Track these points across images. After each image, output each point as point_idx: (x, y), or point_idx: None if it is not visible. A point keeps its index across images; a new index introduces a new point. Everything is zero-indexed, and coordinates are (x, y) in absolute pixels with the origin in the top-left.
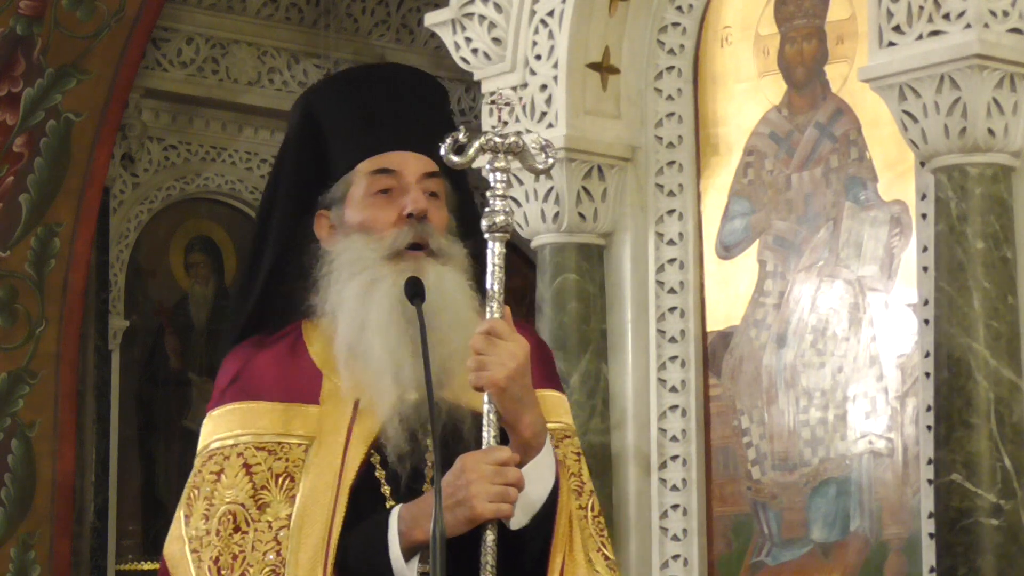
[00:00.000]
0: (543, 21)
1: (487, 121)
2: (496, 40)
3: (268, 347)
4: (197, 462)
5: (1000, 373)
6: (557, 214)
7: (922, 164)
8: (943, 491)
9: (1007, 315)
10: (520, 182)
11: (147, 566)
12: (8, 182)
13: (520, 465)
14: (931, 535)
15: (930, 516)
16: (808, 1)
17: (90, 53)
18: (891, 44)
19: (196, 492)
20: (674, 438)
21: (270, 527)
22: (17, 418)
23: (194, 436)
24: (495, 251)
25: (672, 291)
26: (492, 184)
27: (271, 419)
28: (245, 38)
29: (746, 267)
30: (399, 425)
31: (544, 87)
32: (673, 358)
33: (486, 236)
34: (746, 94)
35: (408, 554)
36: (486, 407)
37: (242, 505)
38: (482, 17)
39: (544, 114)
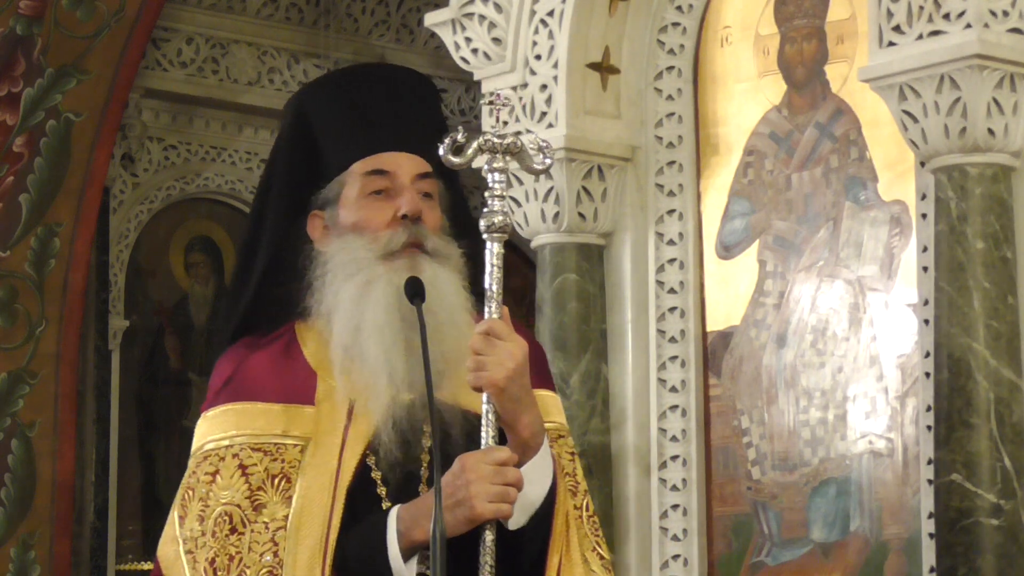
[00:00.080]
0: (543, 21)
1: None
2: (496, 40)
3: (262, 348)
4: (191, 463)
5: (1000, 373)
6: (557, 214)
7: (922, 164)
8: (943, 491)
9: (1007, 315)
10: (520, 182)
11: (147, 566)
12: (8, 182)
13: (518, 465)
14: (931, 535)
15: (930, 516)
16: (808, 1)
17: (90, 53)
18: (891, 44)
19: (191, 493)
20: (674, 438)
21: (267, 528)
22: (17, 418)
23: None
24: (493, 251)
25: (672, 291)
26: (490, 184)
27: (266, 420)
28: (245, 38)
29: (746, 267)
30: (392, 429)
31: (544, 87)
32: (673, 358)
33: (484, 236)
34: (746, 94)
35: (407, 554)
36: (485, 407)
37: (238, 506)
38: (482, 17)
39: (544, 114)
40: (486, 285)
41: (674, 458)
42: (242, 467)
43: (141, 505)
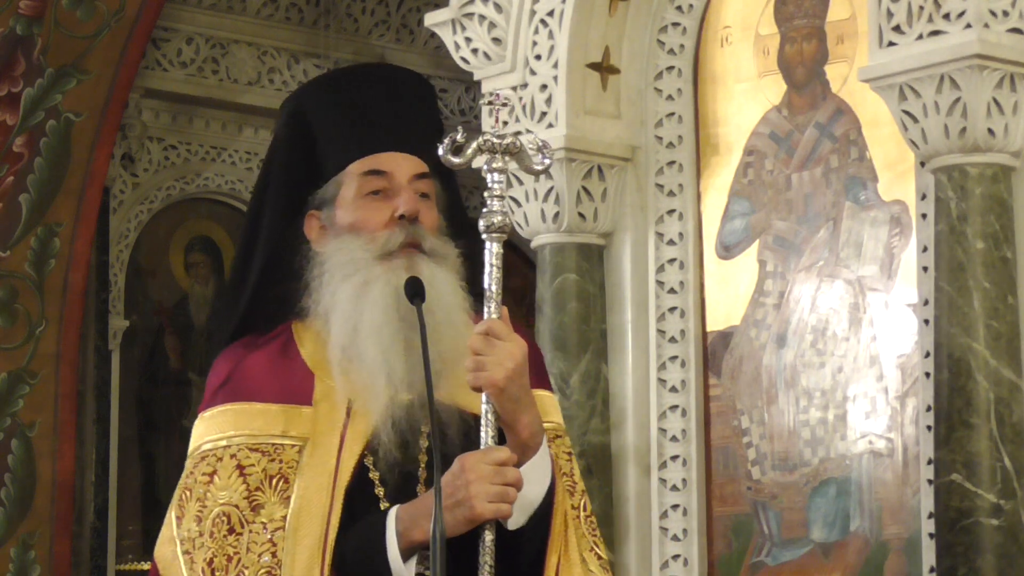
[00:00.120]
0: (543, 21)
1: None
2: (496, 40)
3: (259, 348)
4: (188, 464)
5: (1000, 373)
6: (557, 214)
7: (922, 164)
8: (943, 491)
9: (1007, 315)
10: (520, 182)
11: (147, 566)
12: (8, 182)
13: (517, 465)
14: (931, 535)
15: (930, 516)
16: (808, 1)
17: (90, 53)
18: (891, 44)
19: (188, 494)
20: (674, 438)
21: (265, 528)
22: (17, 418)
23: None
24: (493, 251)
25: (672, 291)
26: (490, 184)
27: (264, 420)
28: (245, 38)
29: (746, 267)
30: (391, 429)
31: (544, 87)
32: (673, 358)
33: (484, 236)
34: (746, 94)
35: (406, 555)
36: (484, 407)
37: (236, 507)
38: (482, 17)
39: (544, 114)
40: (485, 285)
41: (674, 458)
42: (240, 467)
43: (141, 505)
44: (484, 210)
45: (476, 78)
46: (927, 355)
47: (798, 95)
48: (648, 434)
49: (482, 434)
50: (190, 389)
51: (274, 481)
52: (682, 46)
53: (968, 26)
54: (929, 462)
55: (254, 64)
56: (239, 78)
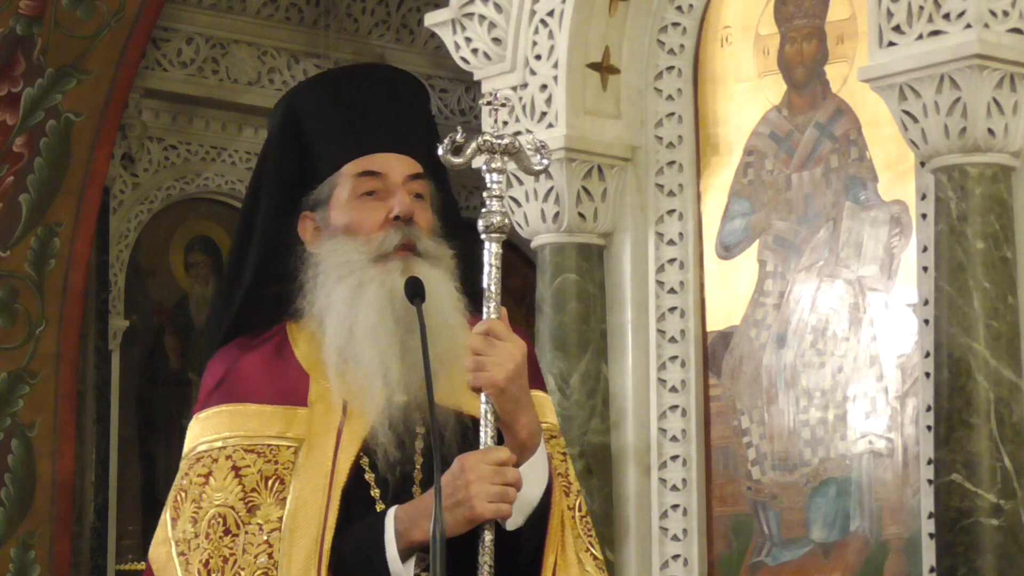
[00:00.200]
0: (543, 21)
1: (486, 122)
2: (496, 40)
3: (254, 349)
4: (183, 465)
5: (1000, 373)
6: (557, 214)
7: (922, 164)
8: (943, 491)
9: (1007, 315)
10: (520, 182)
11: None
12: (8, 182)
13: (516, 465)
14: (931, 535)
15: (930, 516)
16: (808, 1)
17: (90, 53)
18: (891, 44)
19: (183, 495)
20: (674, 438)
21: (261, 530)
22: (17, 418)
23: None
24: (492, 251)
25: (672, 291)
26: (489, 185)
27: (259, 421)
28: (245, 38)
29: (746, 267)
30: (389, 430)
31: (544, 87)
32: (673, 358)
33: (483, 236)
34: (746, 94)
35: (405, 555)
36: (483, 407)
37: (232, 508)
38: (482, 17)
39: (544, 114)
40: (485, 285)
41: (674, 458)
42: (235, 469)
43: (141, 505)
44: (483, 210)
45: (476, 78)
46: (927, 355)
47: (798, 95)
48: (648, 434)
49: (481, 434)
50: (190, 389)
51: (270, 482)
52: (682, 46)
53: (968, 26)
54: (929, 462)
55: (254, 64)
56: (239, 78)
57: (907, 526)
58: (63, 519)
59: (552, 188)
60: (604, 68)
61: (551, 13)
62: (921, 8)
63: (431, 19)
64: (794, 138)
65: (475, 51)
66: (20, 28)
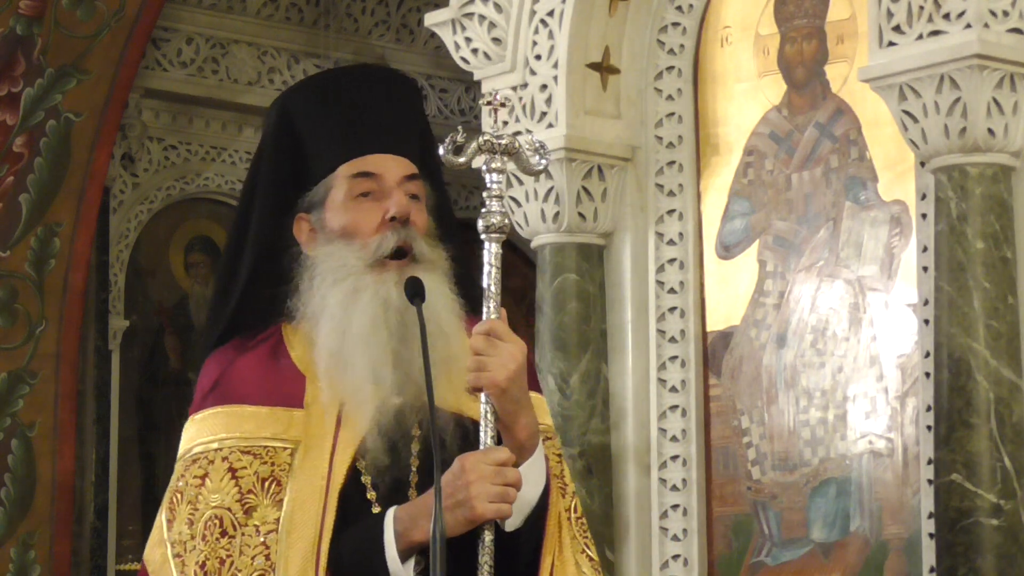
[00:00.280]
0: (543, 21)
1: (486, 122)
2: (496, 40)
3: (249, 351)
4: (179, 466)
5: (1000, 373)
6: (557, 214)
7: (922, 164)
8: (943, 491)
9: (1007, 315)
10: (520, 182)
11: None
12: (8, 182)
13: (515, 466)
14: (931, 535)
15: (930, 516)
16: (808, 1)
17: (90, 53)
18: (891, 44)
19: (179, 496)
20: (674, 438)
21: (257, 531)
22: (17, 418)
23: None
24: (491, 251)
25: (672, 291)
26: (488, 185)
27: (256, 423)
28: (245, 38)
29: (746, 267)
30: (379, 436)
31: (544, 87)
32: (673, 358)
33: (483, 237)
34: (746, 94)
35: (405, 555)
36: (484, 407)
37: (228, 509)
38: (482, 17)
39: (544, 114)
40: (484, 285)
41: (674, 458)
42: (232, 470)
43: (141, 505)
44: (483, 210)
45: (476, 78)
46: (927, 355)
47: (798, 95)
48: (648, 434)
49: (481, 434)
50: (190, 389)
51: (266, 484)
52: (682, 46)
53: (968, 26)
54: (929, 462)
55: (254, 64)
56: (239, 78)
57: (907, 526)
58: (63, 519)
59: (552, 188)
60: (604, 68)
61: (551, 13)
62: (921, 8)
63: (431, 19)
64: (794, 138)
65: (475, 51)
66: (20, 28)
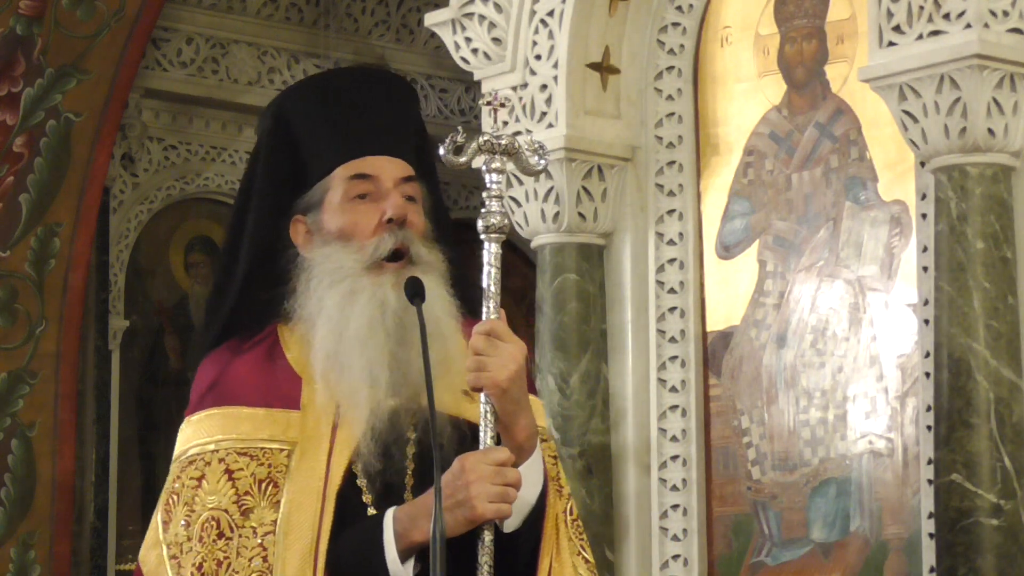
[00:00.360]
0: (543, 21)
1: (486, 122)
2: (496, 40)
3: (245, 352)
4: (175, 468)
5: (1000, 373)
6: (557, 214)
7: (922, 164)
8: (943, 491)
9: (1007, 315)
10: (520, 182)
11: None
12: (8, 182)
13: (514, 466)
14: (931, 535)
15: (930, 516)
16: (808, 1)
17: (90, 53)
18: (891, 44)
19: (175, 498)
20: (674, 438)
21: (255, 533)
22: (17, 418)
23: None
24: (491, 251)
25: (672, 291)
26: (488, 185)
27: (252, 424)
28: (245, 38)
29: (746, 267)
30: (372, 441)
31: (544, 87)
32: (673, 358)
33: (482, 237)
34: (746, 94)
35: (404, 556)
36: (483, 407)
37: (225, 511)
38: (482, 17)
39: (544, 114)
40: (484, 285)
41: (674, 458)
42: (228, 472)
43: (141, 505)
44: (483, 210)
45: (476, 78)
46: (927, 355)
47: (798, 95)
48: (648, 434)
49: (481, 434)
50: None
51: (263, 485)
52: (682, 46)
53: (968, 26)
54: (929, 462)
55: (254, 64)
56: (239, 78)
57: (907, 526)
58: (63, 519)
59: (552, 188)
60: (604, 68)
61: (551, 13)
62: (921, 8)
63: (431, 19)
64: (794, 138)
65: (475, 51)
66: (20, 28)
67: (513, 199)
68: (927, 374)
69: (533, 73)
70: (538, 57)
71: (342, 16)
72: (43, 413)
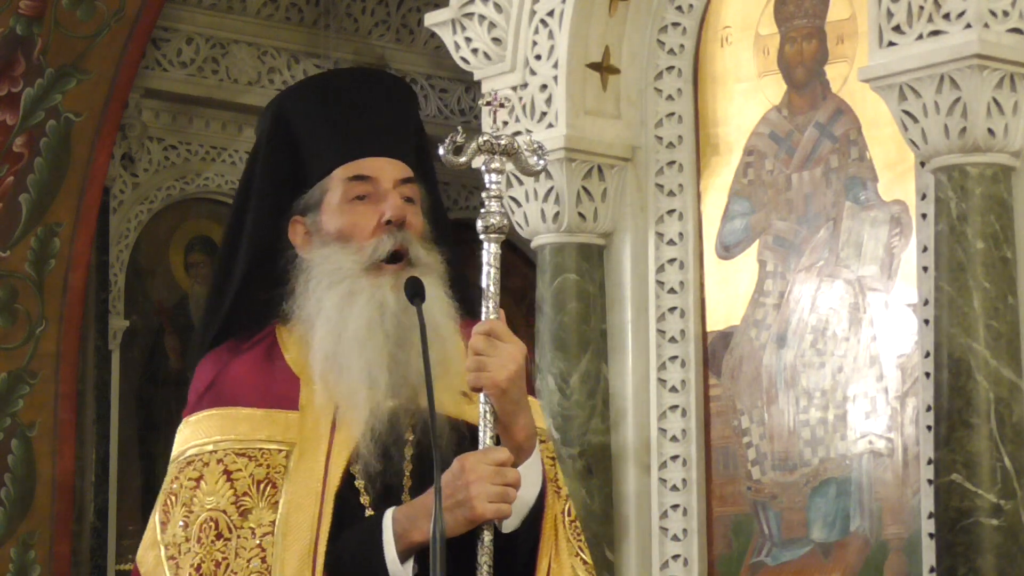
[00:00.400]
0: (543, 21)
1: (486, 122)
2: (496, 40)
3: (244, 352)
4: (172, 468)
5: (1000, 373)
6: (557, 214)
7: (922, 164)
8: (943, 491)
9: (1007, 315)
10: (520, 182)
11: None
12: (8, 182)
13: (513, 466)
14: (931, 535)
15: (930, 516)
16: (808, 1)
17: (90, 53)
18: (891, 44)
19: (173, 499)
20: (674, 438)
21: (253, 534)
22: (17, 418)
23: None
24: (491, 252)
25: (672, 291)
26: (488, 185)
27: (250, 425)
28: (245, 38)
29: (746, 267)
30: (371, 442)
31: (544, 87)
32: (673, 358)
33: (482, 237)
34: (746, 94)
35: (404, 556)
36: (483, 408)
37: (224, 512)
38: (482, 17)
39: (544, 114)
40: (483, 285)
41: (674, 458)
42: (227, 472)
43: (141, 505)
44: (482, 211)
45: (476, 78)
46: (927, 355)
47: (798, 95)
48: (648, 434)
49: (481, 434)
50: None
51: (262, 486)
52: (682, 46)
53: (968, 26)
54: (929, 462)
55: (254, 64)
56: (239, 78)
57: (907, 526)
58: (63, 519)
59: (552, 188)
60: (604, 68)
61: (551, 13)
62: (921, 8)
63: (431, 19)
64: (794, 138)
65: (475, 51)
66: (20, 28)
67: (513, 199)
68: (927, 374)
69: (533, 73)
70: (538, 57)
71: (342, 16)
72: (43, 413)
